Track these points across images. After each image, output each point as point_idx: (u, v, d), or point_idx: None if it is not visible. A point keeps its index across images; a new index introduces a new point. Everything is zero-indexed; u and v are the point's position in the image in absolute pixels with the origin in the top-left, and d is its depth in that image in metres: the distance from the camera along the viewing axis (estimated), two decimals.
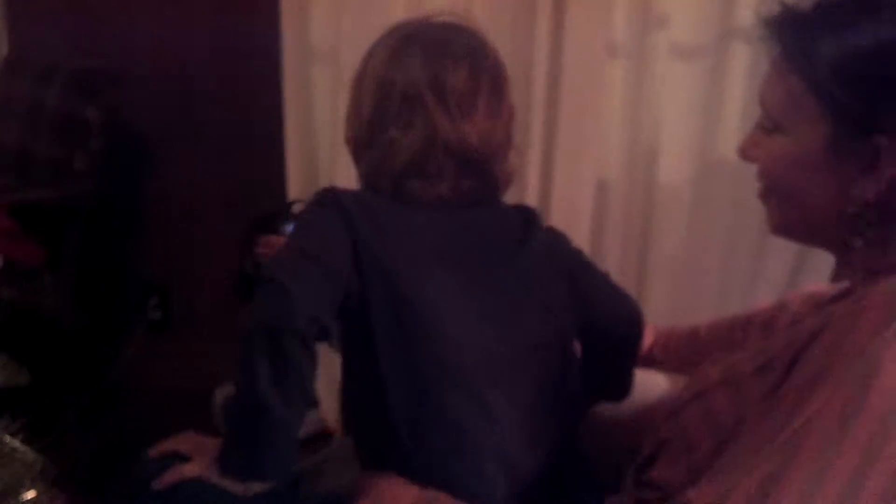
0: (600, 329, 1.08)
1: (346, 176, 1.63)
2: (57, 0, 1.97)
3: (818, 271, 0.87)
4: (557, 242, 1.08)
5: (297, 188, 1.77)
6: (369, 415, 0.94)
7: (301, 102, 1.74)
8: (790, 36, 0.77)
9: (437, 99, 0.95)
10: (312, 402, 1.16)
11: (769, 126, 0.80)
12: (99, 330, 1.98)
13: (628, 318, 1.11)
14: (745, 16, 1.44)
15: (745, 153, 0.84)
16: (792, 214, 0.81)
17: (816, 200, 0.77)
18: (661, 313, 1.56)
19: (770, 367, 0.77)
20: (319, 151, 1.78)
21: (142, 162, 1.96)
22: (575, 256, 1.10)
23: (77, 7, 1.95)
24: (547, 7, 1.51)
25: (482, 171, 0.99)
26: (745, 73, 1.47)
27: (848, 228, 0.76)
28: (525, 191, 1.59)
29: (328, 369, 1.32)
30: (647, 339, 1.25)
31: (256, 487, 0.85)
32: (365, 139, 0.98)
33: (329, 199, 0.95)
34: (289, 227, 1.21)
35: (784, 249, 1.49)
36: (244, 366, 0.84)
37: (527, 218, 1.06)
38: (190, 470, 0.85)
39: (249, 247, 1.23)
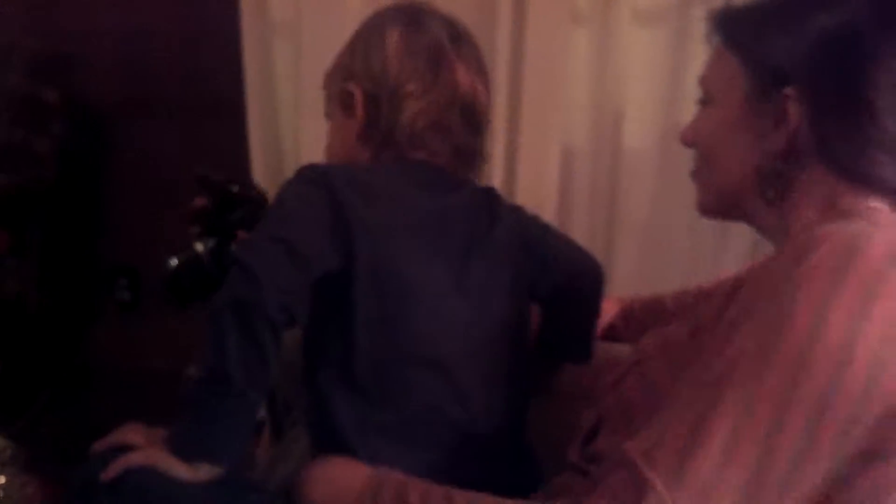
0: (563, 289, 1.11)
1: (309, 149, 1.63)
2: None
3: None
4: (516, 217, 1.10)
5: (261, 163, 1.75)
6: (331, 388, 0.94)
7: (262, 77, 1.72)
8: (729, 26, 0.84)
9: (457, 55, 1.00)
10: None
11: (704, 99, 0.86)
12: (67, 313, 1.97)
13: (590, 276, 1.14)
14: None
15: (685, 138, 0.89)
16: (716, 184, 0.85)
17: (738, 161, 0.81)
18: (629, 278, 1.57)
19: (701, 328, 0.81)
20: (282, 125, 1.77)
21: (105, 143, 1.94)
22: (531, 225, 1.12)
23: None
24: None
25: (481, 133, 1.04)
26: (706, 37, 1.45)
27: (765, 184, 0.79)
28: (492, 159, 1.56)
29: None
30: (612, 310, 1.25)
31: (204, 474, 0.84)
32: (385, 94, 0.99)
33: (314, 175, 0.94)
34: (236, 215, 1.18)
35: None
36: (212, 343, 0.84)
37: (492, 197, 1.08)
38: (136, 458, 0.84)
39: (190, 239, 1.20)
